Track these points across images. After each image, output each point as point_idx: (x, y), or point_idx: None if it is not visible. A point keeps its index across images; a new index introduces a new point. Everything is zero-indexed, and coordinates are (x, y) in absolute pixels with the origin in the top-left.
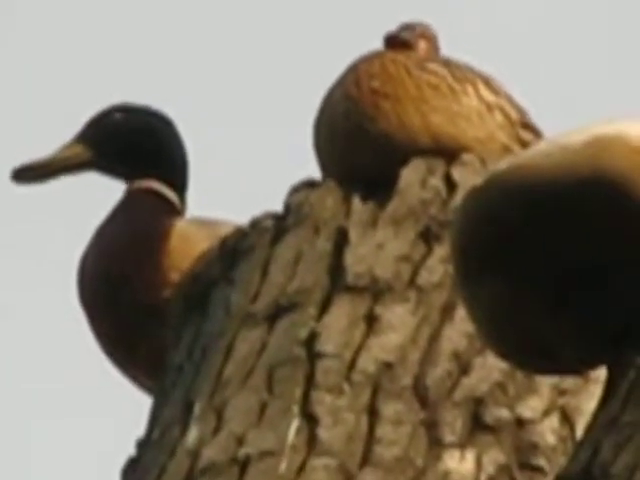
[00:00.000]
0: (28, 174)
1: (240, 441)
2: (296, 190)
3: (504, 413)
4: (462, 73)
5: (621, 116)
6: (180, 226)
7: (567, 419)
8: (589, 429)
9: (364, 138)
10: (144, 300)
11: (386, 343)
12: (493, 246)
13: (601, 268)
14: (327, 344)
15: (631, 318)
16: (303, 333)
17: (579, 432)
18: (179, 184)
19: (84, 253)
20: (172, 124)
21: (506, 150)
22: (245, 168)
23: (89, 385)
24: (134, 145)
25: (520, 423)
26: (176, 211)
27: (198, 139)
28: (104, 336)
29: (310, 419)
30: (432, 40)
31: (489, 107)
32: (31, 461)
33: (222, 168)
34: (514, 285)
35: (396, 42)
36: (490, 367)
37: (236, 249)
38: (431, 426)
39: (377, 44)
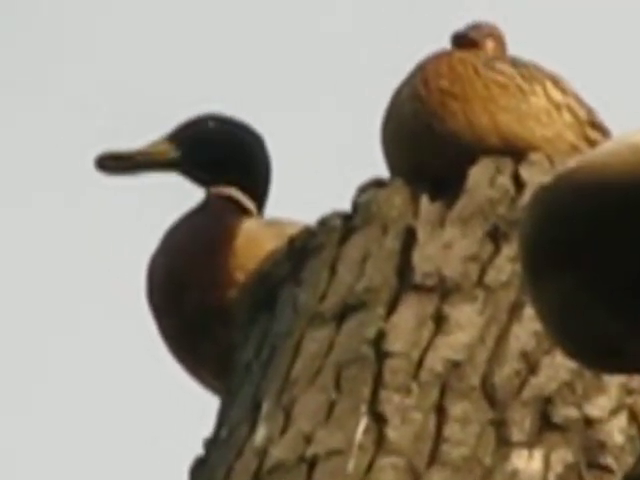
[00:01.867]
0: (112, 163)
1: (308, 440)
2: (364, 189)
3: (572, 412)
4: (530, 73)
5: None
6: (247, 226)
7: (635, 418)
8: None
9: (432, 137)
10: (210, 301)
11: (454, 342)
12: (561, 244)
13: None
14: (395, 343)
15: None
16: (371, 332)
17: None
18: (259, 195)
19: (153, 254)
20: (261, 139)
21: (574, 149)
22: (313, 167)
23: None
24: (222, 154)
25: (588, 422)
26: (249, 214)
27: (267, 136)
28: (171, 337)
29: (378, 418)
30: (500, 39)
31: (557, 107)
32: None
33: (290, 167)
34: (582, 283)
35: (464, 41)
36: (558, 366)
37: (304, 248)
38: (499, 425)
39: (445, 43)
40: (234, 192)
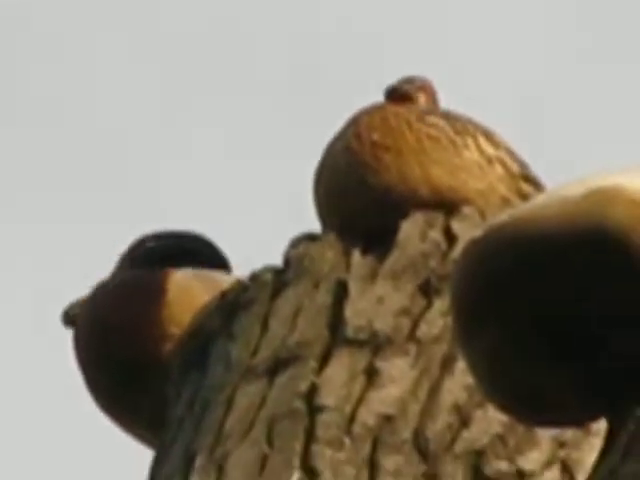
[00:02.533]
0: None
1: None
2: (296, 243)
3: (504, 466)
4: (463, 126)
5: (616, 168)
6: (178, 278)
7: (568, 471)
8: None
9: (365, 190)
10: (141, 355)
11: (386, 396)
12: (492, 300)
13: (600, 322)
14: (327, 397)
15: (630, 369)
16: (303, 386)
17: None
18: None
19: (81, 312)
20: (202, 240)
21: (506, 202)
22: (245, 221)
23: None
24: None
25: (521, 476)
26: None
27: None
28: (99, 392)
29: (311, 473)
30: (432, 93)
31: (489, 160)
32: None
33: (221, 219)
34: (512, 339)
35: (397, 95)
36: (490, 420)
37: (236, 302)
38: (431, 479)
39: (378, 97)
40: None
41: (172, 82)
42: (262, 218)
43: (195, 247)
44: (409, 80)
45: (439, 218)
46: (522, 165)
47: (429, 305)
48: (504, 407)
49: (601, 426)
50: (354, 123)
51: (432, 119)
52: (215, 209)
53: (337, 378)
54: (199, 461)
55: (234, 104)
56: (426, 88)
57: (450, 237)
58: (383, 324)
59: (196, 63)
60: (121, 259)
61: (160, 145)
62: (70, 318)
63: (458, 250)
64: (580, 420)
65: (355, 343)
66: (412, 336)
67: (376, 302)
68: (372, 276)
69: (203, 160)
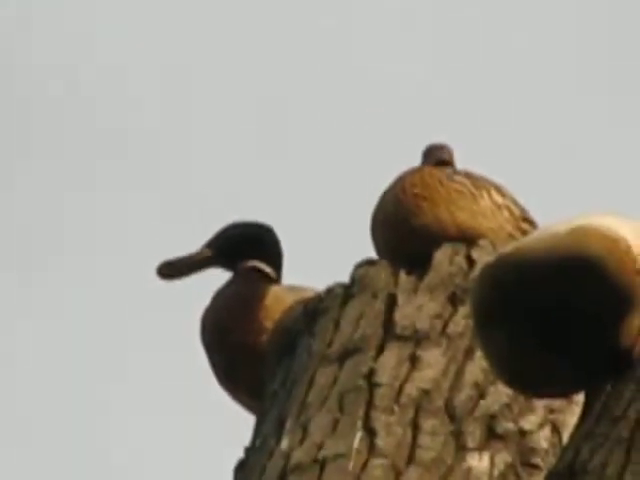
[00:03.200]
0: (167, 271)
1: (319, 447)
2: (359, 266)
3: (511, 426)
4: (479, 182)
5: (595, 211)
6: (274, 290)
7: (556, 430)
8: (572, 438)
9: (408, 229)
10: (247, 342)
11: (424, 376)
12: (500, 307)
13: (578, 323)
14: (382, 377)
15: (602, 357)
16: (364, 369)
17: (565, 440)
18: (276, 266)
19: (205, 309)
20: (272, 231)
21: (511, 237)
22: (324, 250)
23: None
24: (244, 245)
25: (522, 433)
26: (273, 281)
27: (292, 231)
28: (218, 368)
29: (370, 431)
30: (452, 156)
31: (499, 206)
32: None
33: (308, 251)
34: (515, 335)
35: (435, 160)
36: (500, 393)
37: (315, 309)
38: (458, 435)
39: (416, 160)
40: (259, 264)
41: None
42: (336, 249)
43: (264, 239)
44: (439, 147)
45: (462, 248)
46: (522, 210)
47: (455, 311)
48: (510, 383)
49: (580, 398)
50: (400, 180)
51: (457, 178)
52: (299, 241)
53: (389, 363)
54: (288, 424)
55: None
56: (451, 153)
57: (470, 262)
58: (422, 324)
59: None
60: (210, 239)
61: None
62: (163, 273)
63: (476, 271)
64: (565, 393)
65: (402, 338)
66: (443, 333)
67: (417, 309)
68: (414, 290)
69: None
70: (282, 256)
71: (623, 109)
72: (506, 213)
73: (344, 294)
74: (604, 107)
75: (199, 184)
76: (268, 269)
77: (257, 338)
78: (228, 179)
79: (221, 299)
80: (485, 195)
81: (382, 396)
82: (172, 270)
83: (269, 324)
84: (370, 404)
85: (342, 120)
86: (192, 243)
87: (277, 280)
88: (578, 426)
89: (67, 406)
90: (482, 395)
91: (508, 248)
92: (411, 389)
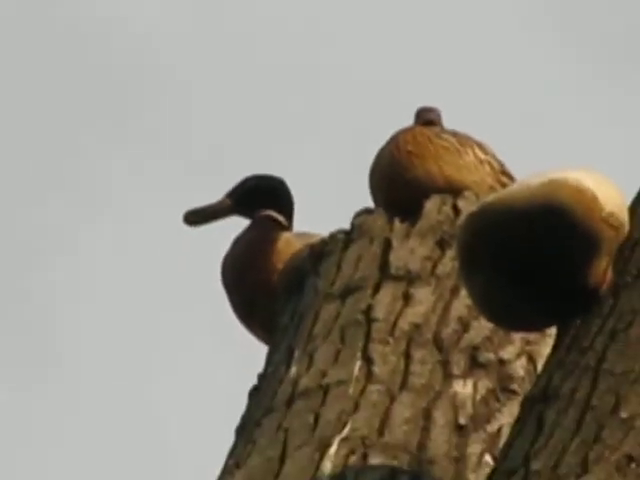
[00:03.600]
0: (193, 218)
1: (323, 375)
2: (358, 215)
3: (491, 356)
4: (464, 140)
5: (567, 165)
6: (284, 236)
7: (532, 360)
8: (545, 366)
9: (402, 182)
10: (261, 281)
11: (416, 312)
12: (483, 251)
13: (551, 265)
14: (378, 313)
15: (572, 296)
16: (363, 305)
17: (539, 368)
18: (288, 215)
19: (225, 254)
20: (284, 183)
21: (492, 189)
22: (329, 198)
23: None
24: (261, 196)
25: (501, 362)
26: (285, 228)
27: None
28: (238, 307)
29: (368, 361)
30: (441, 118)
31: (481, 161)
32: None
33: (315, 203)
34: (496, 275)
35: (423, 120)
36: (482, 327)
37: (320, 252)
38: (445, 364)
39: (409, 120)
40: (272, 212)
41: None
42: (340, 199)
43: (278, 189)
44: (429, 109)
45: (449, 199)
46: (502, 165)
47: (443, 254)
48: (490, 319)
49: (553, 331)
50: (394, 139)
51: (445, 136)
52: (310, 192)
53: (384, 300)
54: (296, 354)
55: None
56: (439, 115)
57: (456, 211)
58: (414, 266)
59: None
60: (230, 190)
61: None
62: (189, 220)
63: (461, 219)
64: (540, 327)
65: (396, 278)
66: (432, 273)
67: (409, 252)
68: (407, 235)
69: None
70: (293, 206)
71: (589, 76)
72: (488, 167)
73: (345, 239)
74: (572, 75)
75: (199, 133)
76: (281, 217)
77: (270, 278)
78: (235, 131)
79: (239, 244)
80: (469, 151)
81: (378, 329)
82: (197, 217)
83: (281, 266)
84: (368, 336)
85: (346, 88)
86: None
87: (289, 227)
88: (551, 356)
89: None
90: (466, 329)
91: (489, 198)
92: (404, 323)
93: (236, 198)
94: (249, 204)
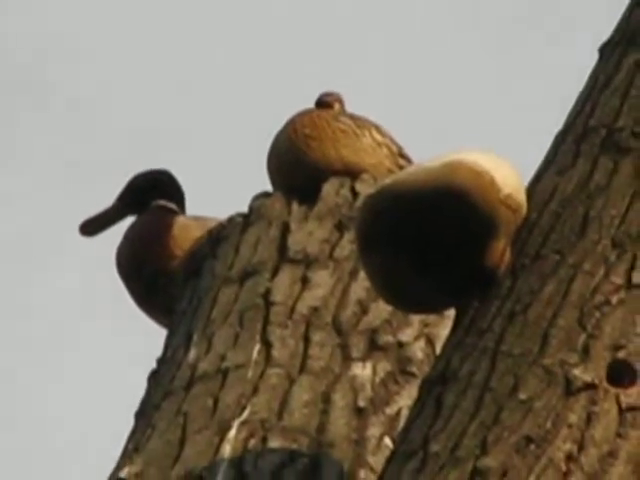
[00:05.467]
0: (89, 228)
1: (222, 358)
2: (256, 198)
3: (390, 338)
4: (362, 122)
5: (462, 148)
6: (180, 220)
7: (430, 342)
8: (444, 349)
9: (299, 165)
10: (159, 266)
11: (314, 295)
12: (380, 233)
13: (449, 247)
14: (277, 296)
15: (469, 277)
16: (262, 289)
17: (438, 350)
18: (179, 203)
19: (120, 242)
20: (169, 173)
21: (390, 171)
22: (226, 182)
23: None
24: (150, 191)
25: (400, 345)
26: (178, 215)
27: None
28: (135, 293)
29: (267, 344)
30: (342, 102)
31: (379, 144)
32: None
33: (213, 184)
34: (392, 257)
35: (321, 103)
36: (381, 309)
37: (218, 236)
38: (344, 347)
39: (309, 104)
40: (165, 202)
41: None
42: (236, 179)
43: (164, 180)
44: (328, 94)
45: (347, 181)
46: (399, 147)
47: (341, 236)
48: (389, 301)
49: (452, 313)
50: (292, 122)
51: (342, 119)
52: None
53: (283, 284)
54: (195, 337)
55: None
56: (338, 99)
57: (354, 193)
58: (312, 249)
59: None
60: (119, 194)
61: None
62: (86, 231)
63: (359, 201)
64: (438, 309)
65: (294, 261)
66: (331, 256)
67: (308, 235)
68: (305, 218)
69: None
70: (183, 194)
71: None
72: (385, 150)
73: (243, 222)
74: (473, 53)
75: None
76: (173, 205)
77: (168, 264)
78: (140, 116)
79: (133, 231)
80: (367, 134)
81: (277, 313)
82: (92, 226)
83: (178, 251)
84: (267, 320)
85: (246, 66)
86: None
87: (182, 214)
88: (449, 338)
89: None
90: (365, 311)
91: (387, 181)
92: (302, 307)
93: (126, 199)
94: (140, 202)
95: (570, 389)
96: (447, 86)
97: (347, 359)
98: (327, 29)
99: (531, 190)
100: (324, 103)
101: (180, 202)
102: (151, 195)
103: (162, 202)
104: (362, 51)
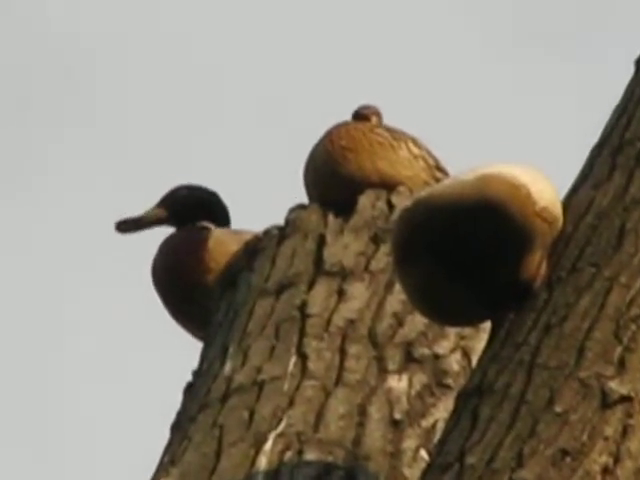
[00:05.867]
0: (125, 226)
1: (258, 371)
2: (292, 210)
3: (426, 351)
4: (398, 135)
5: (498, 160)
6: (215, 233)
7: (466, 355)
8: (480, 361)
9: (336, 177)
10: (194, 282)
11: (350, 307)
12: (416, 246)
13: (485, 259)
14: (313, 308)
15: (506, 290)
16: (298, 301)
17: (474, 363)
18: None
19: (155, 255)
20: (217, 195)
21: (426, 184)
22: (262, 194)
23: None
24: (195, 209)
25: (436, 357)
26: None
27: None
28: (172, 307)
29: (303, 356)
30: (379, 115)
31: (415, 157)
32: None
33: (249, 196)
34: (430, 270)
35: (358, 116)
36: (417, 322)
37: (255, 248)
38: (380, 360)
39: (347, 116)
40: (208, 224)
41: None
42: (274, 195)
43: (212, 202)
44: (366, 107)
45: (383, 194)
46: (436, 160)
47: (377, 249)
48: (425, 314)
49: (488, 326)
50: (329, 134)
51: (379, 131)
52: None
53: (319, 296)
54: (231, 350)
55: None
56: (376, 112)
57: (390, 206)
58: (348, 261)
59: None
60: (161, 199)
61: None
62: (121, 228)
63: (395, 214)
64: (474, 322)
65: (330, 274)
66: (367, 269)
67: (344, 247)
68: (341, 231)
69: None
70: (229, 218)
71: (526, 76)
72: (422, 163)
73: (279, 235)
74: (508, 74)
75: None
76: (212, 227)
77: (203, 277)
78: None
79: (168, 246)
80: (403, 146)
81: (313, 325)
82: (129, 226)
83: (213, 264)
84: (303, 332)
85: (276, 80)
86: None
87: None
88: (485, 351)
89: None
90: (401, 324)
91: (423, 193)
92: (338, 319)
93: (170, 209)
94: (182, 215)
95: (606, 402)
96: (483, 99)
97: (383, 372)
98: (368, 39)
99: (567, 203)
100: (361, 116)
101: (224, 226)
102: (195, 213)
103: (206, 224)
104: (400, 63)
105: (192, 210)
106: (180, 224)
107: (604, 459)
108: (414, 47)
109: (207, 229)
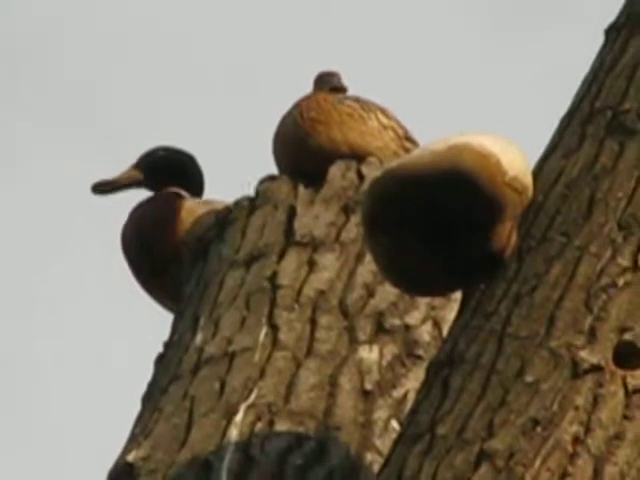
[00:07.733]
0: (102, 188)
1: (229, 342)
2: (262, 181)
3: (397, 321)
4: (367, 105)
5: (468, 130)
6: (187, 204)
7: (437, 325)
8: (451, 331)
9: (306, 148)
10: (165, 251)
11: (321, 278)
12: (386, 216)
13: (455, 229)
14: (283, 279)
15: (476, 260)
16: (268, 272)
17: (444, 333)
18: (196, 193)
19: (125, 225)
20: (194, 159)
21: (396, 154)
22: (234, 167)
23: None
24: (170, 171)
25: (407, 328)
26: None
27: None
28: (142, 277)
29: (273, 327)
30: (340, 79)
31: (385, 127)
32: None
33: (218, 167)
34: (400, 240)
35: (335, 89)
36: (388, 292)
37: (225, 219)
38: (350, 330)
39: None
40: (179, 190)
41: None
42: (244, 165)
43: (188, 165)
44: (331, 74)
45: (354, 165)
46: (405, 130)
47: (348, 220)
48: (396, 284)
49: (458, 295)
50: (298, 105)
51: (348, 102)
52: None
53: (289, 267)
54: (202, 321)
55: None
56: (339, 77)
57: (361, 177)
58: (319, 232)
59: None
60: (137, 161)
61: None
62: (98, 190)
63: (365, 185)
64: (445, 292)
65: (301, 244)
66: (337, 240)
67: (314, 218)
68: (311, 202)
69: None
70: (202, 182)
71: (496, 45)
72: (391, 133)
73: (250, 206)
74: (476, 42)
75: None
76: (185, 194)
77: (174, 247)
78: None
79: (139, 214)
80: (373, 117)
81: (284, 296)
82: (105, 187)
83: (185, 234)
84: (273, 303)
85: (248, 51)
86: None
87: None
88: (456, 321)
89: None
90: (371, 294)
91: (393, 164)
92: (309, 290)
93: (144, 171)
94: (157, 178)
95: (576, 371)
96: (451, 68)
97: (354, 342)
98: (331, 9)
99: (537, 173)
100: (331, 86)
101: (198, 190)
102: (170, 175)
103: (176, 189)
104: (362, 32)
105: (167, 173)
106: (155, 187)
107: (575, 428)
108: (381, 12)
109: (179, 197)
